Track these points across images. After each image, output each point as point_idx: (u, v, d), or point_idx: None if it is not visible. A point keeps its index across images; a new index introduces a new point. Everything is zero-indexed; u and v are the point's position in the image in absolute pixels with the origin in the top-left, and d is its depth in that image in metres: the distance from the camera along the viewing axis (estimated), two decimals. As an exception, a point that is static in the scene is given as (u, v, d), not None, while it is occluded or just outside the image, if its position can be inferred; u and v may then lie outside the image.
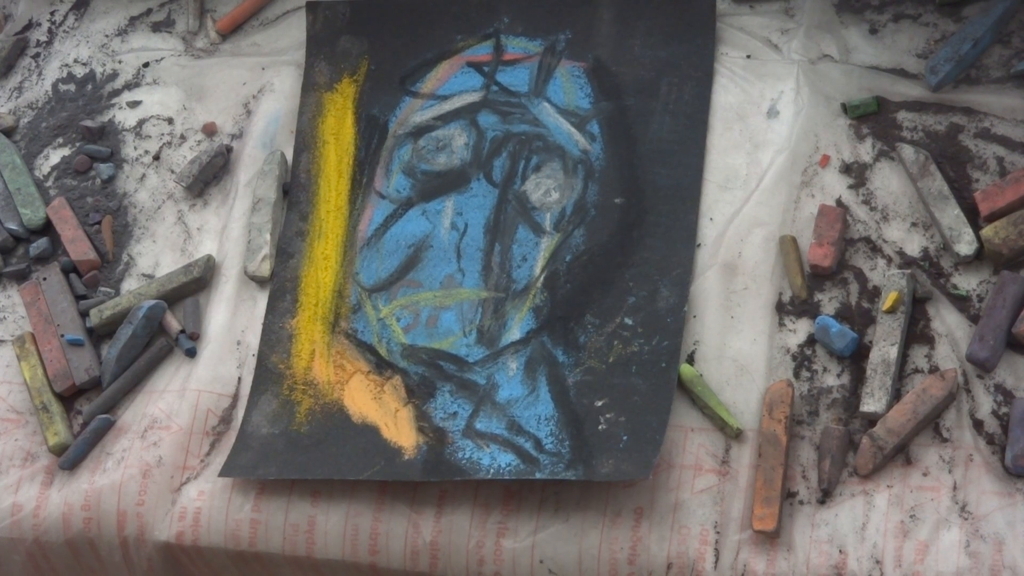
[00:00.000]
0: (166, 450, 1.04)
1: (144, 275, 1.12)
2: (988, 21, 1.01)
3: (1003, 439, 0.91)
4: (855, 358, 0.96)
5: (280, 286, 1.08)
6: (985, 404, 0.92)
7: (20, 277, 1.15)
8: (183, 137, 1.17)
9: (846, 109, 1.03)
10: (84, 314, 1.11)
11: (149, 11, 1.25)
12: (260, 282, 1.09)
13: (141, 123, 1.19)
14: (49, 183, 1.18)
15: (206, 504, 1.02)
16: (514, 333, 1.02)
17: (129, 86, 1.21)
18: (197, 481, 1.03)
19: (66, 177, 1.18)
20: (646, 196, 1.04)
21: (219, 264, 1.11)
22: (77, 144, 1.19)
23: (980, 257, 0.96)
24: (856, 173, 1.01)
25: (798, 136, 1.03)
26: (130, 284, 1.12)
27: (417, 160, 1.10)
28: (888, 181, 1.01)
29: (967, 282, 0.96)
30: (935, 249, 0.98)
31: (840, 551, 0.90)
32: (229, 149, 1.16)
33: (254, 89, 1.17)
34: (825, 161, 1.02)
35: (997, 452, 0.91)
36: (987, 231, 0.95)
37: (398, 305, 1.06)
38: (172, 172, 1.16)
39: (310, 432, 1.02)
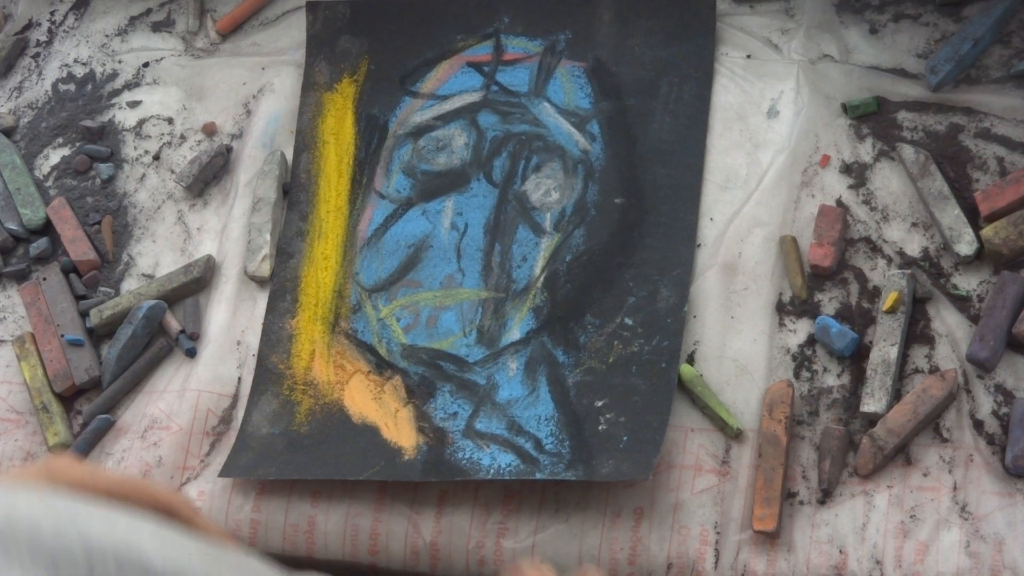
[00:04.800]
0: (166, 450, 1.04)
1: (144, 275, 1.12)
2: (988, 21, 1.01)
3: (1003, 439, 0.91)
4: (855, 358, 0.96)
5: (280, 286, 1.08)
6: (985, 404, 0.92)
7: (20, 277, 1.15)
8: (183, 137, 1.17)
9: (846, 109, 1.03)
10: (84, 314, 1.11)
11: (149, 11, 1.25)
12: (260, 282, 1.09)
13: (141, 123, 1.19)
14: (49, 183, 1.18)
15: (206, 504, 1.02)
16: (514, 333, 1.02)
17: (129, 86, 1.21)
18: (197, 481, 1.03)
19: (66, 177, 1.18)
20: (646, 196, 1.04)
21: (219, 264, 1.11)
22: (77, 144, 1.19)
23: (980, 257, 0.96)
24: (856, 173, 1.01)
25: (798, 136, 1.03)
26: (130, 284, 1.12)
27: (417, 160, 1.10)
28: (888, 181, 1.01)
29: (967, 282, 0.96)
30: (935, 249, 0.98)
31: (840, 551, 0.90)
32: (229, 149, 1.16)
33: (254, 89, 1.17)
34: (825, 161, 1.02)
35: (997, 452, 0.91)
36: (987, 231, 0.95)
37: (398, 305, 1.06)
38: (172, 172, 1.16)
39: (310, 432, 1.02)
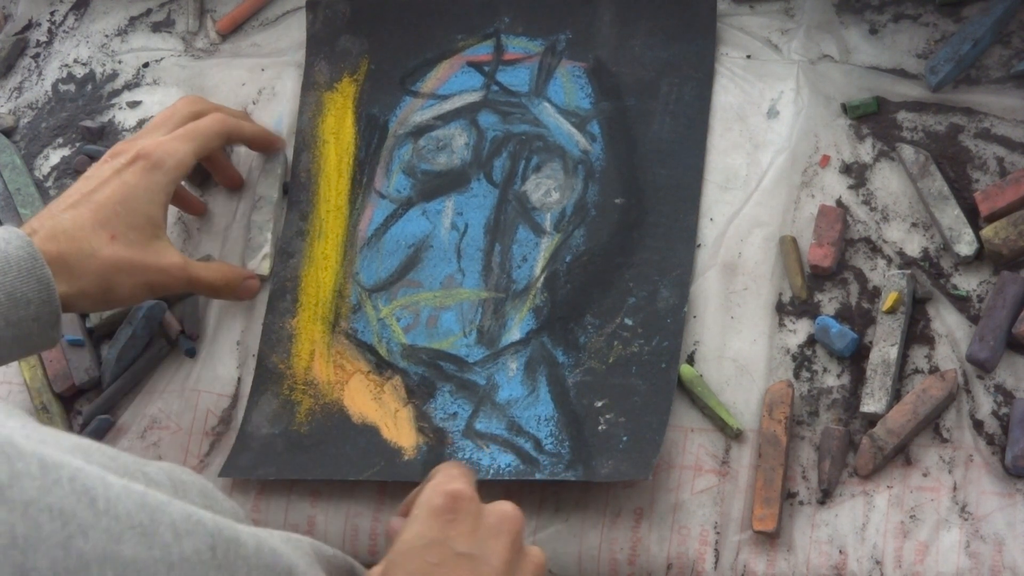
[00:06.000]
0: (166, 450, 1.04)
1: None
2: (988, 21, 1.01)
3: (1003, 439, 0.91)
4: (855, 358, 0.96)
5: (280, 286, 1.08)
6: (985, 404, 0.92)
7: (20, 277, 1.15)
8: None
9: (846, 109, 1.03)
10: (84, 314, 1.11)
11: (149, 11, 1.25)
12: (260, 281, 1.09)
13: (141, 123, 1.19)
14: (49, 183, 1.18)
15: (206, 504, 1.02)
16: (514, 333, 1.02)
17: (129, 86, 1.21)
18: (197, 481, 1.03)
19: (66, 177, 1.18)
20: (646, 196, 1.04)
21: (219, 264, 1.11)
22: (77, 144, 1.19)
23: (980, 257, 0.96)
24: (856, 173, 1.01)
25: (798, 136, 1.03)
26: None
27: (417, 160, 1.10)
28: (888, 181, 1.01)
29: (967, 282, 0.96)
30: (935, 249, 0.98)
31: (840, 551, 0.90)
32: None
33: (254, 90, 1.17)
34: (825, 161, 1.02)
35: (997, 452, 0.91)
36: (987, 231, 0.95)
37: (398, 305, 1.06)
38: (172, 172, 1.16)
39: (310, 432, 1.02)
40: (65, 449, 0.61)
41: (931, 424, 0.93)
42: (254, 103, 1.17)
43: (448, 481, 0.75)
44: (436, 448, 0.99)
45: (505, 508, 0.75)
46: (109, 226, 0.94)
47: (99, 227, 0.94)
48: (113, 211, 0.95)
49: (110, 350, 1.08)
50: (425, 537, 0.73)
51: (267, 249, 1.09)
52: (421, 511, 0.74)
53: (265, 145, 1.11)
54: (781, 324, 0.98)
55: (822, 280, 0.99)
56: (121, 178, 0.96)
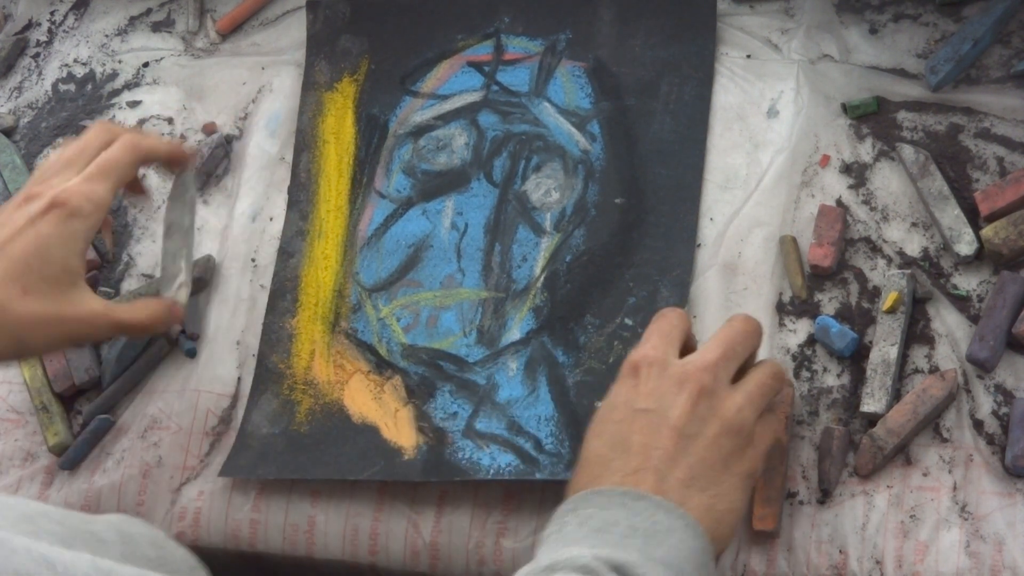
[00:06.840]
0: (166, 450, 1.05)
1: (144, 275, 1.12)
2: (988, 21, 1.01)
3: (1003, 439, 0.91)
4: (855, 358, 0.96)
5: (280, 286, 1.08)
6: (985, 404, 0.92)
7: (20, 277, 1.15)
8: (183, 137, 1.17)
9: (846, 109, 1.03)
10: (84, 314, 1.10)
11: (149, 11, 1.25)
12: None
13: (141, 123, 1.19)
14: (49, 183, 1.18)
15: (206, 504, 1.02)
16: (514, 333, 1.02)
17: (129, 86, 1.21)
18: (197, 481, 1.03)
19: (66, 177, 1.18)
20: (646, 196, 1.04)
21: (219, 264, 1.11)
22: (77, 144, 1.19)
23: (980, 257, 0.96)
24: (856, 173, 1.01)
25: (798, 136, 1.03)
26: (130, 284, 1.12)
27: (417, 160, 1.10)
28: (888, 181, 1.01)
29: (967, 282, 0.96)
30: (935, 249, 0.98)
31: (840, 551, 0.90)
32: (229, 139, 1.15)
33: (254, 89, 1.17)
34: (825, 161, 1.02)
35: (997, 452, 0.91)
36: (987, 231, 0.95)
37: (398, 305, 1.06)
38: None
39: (310, 432, 1.02)
40: (11, 521, 0.62)
41: (931, 424, 0.93)
42: (253, 102, 1.17)
43: (638, 346, 0.87)
44: (436, 448, 0.99)
45: (686, 368, 0.84)
46: (21, 280, 0.89)
47: (10, 282, 0.89)
48: (26, 265, 0.89)
49: (110, 350, 1.08)
50: (612, 402, 0.85)
51: (183, 278, 1.02)
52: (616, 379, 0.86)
53: (179, 159, 1.02)
54: (781, 324, 0.98)
55: (822, 280, 0.99)
56: (35, 229, 0.90)
